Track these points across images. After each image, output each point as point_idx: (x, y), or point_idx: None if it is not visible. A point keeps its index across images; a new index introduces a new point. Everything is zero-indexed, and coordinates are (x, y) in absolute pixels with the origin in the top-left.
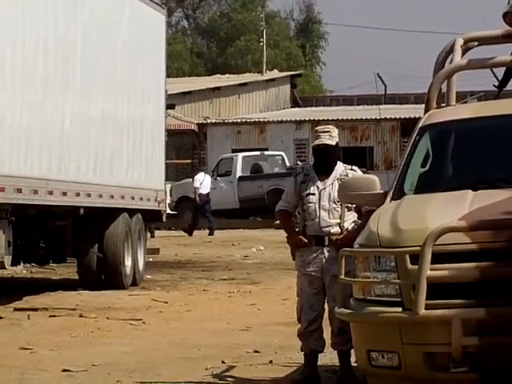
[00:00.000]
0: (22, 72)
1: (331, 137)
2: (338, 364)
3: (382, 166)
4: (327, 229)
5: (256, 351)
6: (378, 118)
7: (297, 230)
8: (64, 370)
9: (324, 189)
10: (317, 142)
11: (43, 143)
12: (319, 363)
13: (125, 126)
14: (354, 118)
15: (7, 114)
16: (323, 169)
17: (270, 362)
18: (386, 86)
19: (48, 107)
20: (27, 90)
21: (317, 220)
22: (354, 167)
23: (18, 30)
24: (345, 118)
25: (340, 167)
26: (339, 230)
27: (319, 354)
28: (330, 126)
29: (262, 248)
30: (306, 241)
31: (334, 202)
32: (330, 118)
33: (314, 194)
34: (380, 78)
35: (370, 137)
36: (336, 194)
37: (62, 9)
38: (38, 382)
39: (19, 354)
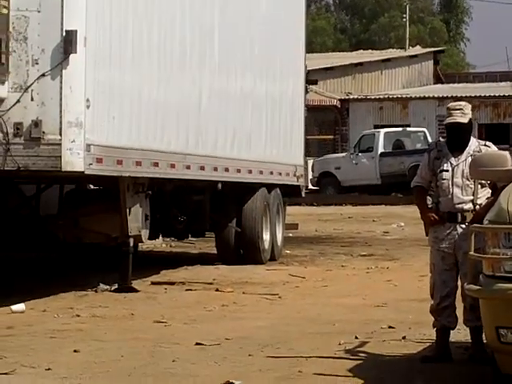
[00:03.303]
0: (159, 47)
1: (463, 114)
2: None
3: None
4: (460, 205)
5: (390, 327)
6: None
7: (430, 206)
8: (197, 344)
9: (457, 165)
10: (449, 120)
11: (180, 118)
12: (453, 340)
13: (263, 100)
14: (497, 94)
15: (144, 89)
16: (456, 145)
17: (404, 338)
18: None
19: (185, 82)
20: (164, 65)
21: (450, 196)
22: (487, 143)
23: (154, 5)
24: (487, 95)
25: (473, 143)
26: (472, 207)
27: (452, 331)
28: (463, 103)
29: (403, 224)
30: (437, 218)
31: (468, 179)
32: (473, 95)
33: (447, 171)
34: None
35: None
36: (469, 170)
37: None
38: (170, 355)
39: (153, 327)
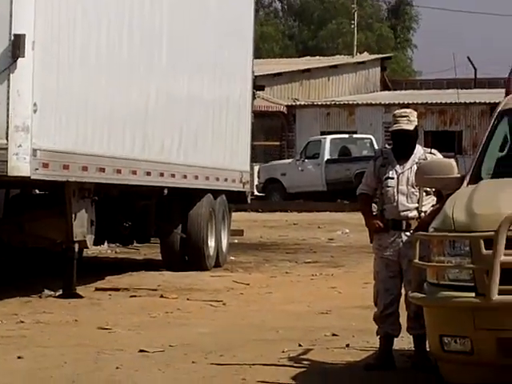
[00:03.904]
0: (107, 51)
1: (409, 121)
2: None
3: (470, 151)
4: (405, 213)
5: (334, 334)
6: (467, 102)
7: (375, 213)
8: (141, 351)
9: (402, 173)
10: (395, 127)
11: (127, 123)
12: (396, 347)
13: (210, 106)
14: (444, 101)
15: (92, 93)
16: (402, 153)
17: (347, 345)
18: (475, 70)
19: (133, 87)
20: (112, 69)
21: (395, 204)
22: (433, 150)
23: (102, 10)
24: (434, 102)
25: (419, 151)
26: (417, 215)
27: (396, 339)
28: (408, 110)
29: (348, 231)
30: (382, 225)
31: (413, 186)
32: (420, 102)
33: (392, 178)
34: (470, 61)
35: (459, 121)
36: (414, 178)
37: None
38: (114, 362)
39: (97, 334)
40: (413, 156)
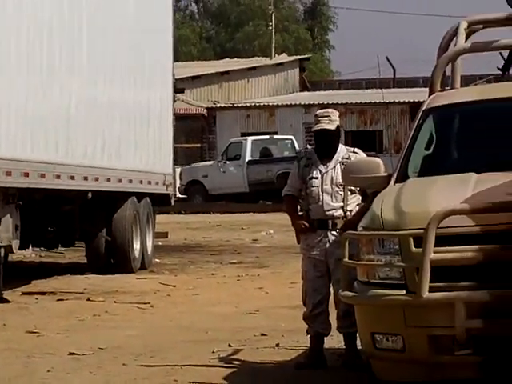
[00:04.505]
0: (27, 55)
1: (331, 121)
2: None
3: (391, 150)
4: (331, 212)
5: (263, 334)
6: (387, 101)
7: (301, 213)
8: (70, 354)
9: (326, 172)
10: (317, 127)
11: (49, 127)
12: (326, 346)
13: (131, 109)
14: (363, 101)
15: (12, 97)
16: (325, 153)
17: (277, 345)
18: (394, 70)
19: (54, 91)
20: (32, 73)
21: (320, 204)
22: (356, 150)
23: (21, 12)
24: (353, 102)
25: (342, 150)
26: (343, 214)
27: (326, 337)
28: (330, 110)
29: (272, 232)
30: (307, 225)
31: (337, 186)
32: (339, 102)
33: (316, 178)
34: (389, 61)
35: (379, 120)
36: (339, 177)
37: None
38: (44, 366)
39: (26, 338)
40: (336, 155)
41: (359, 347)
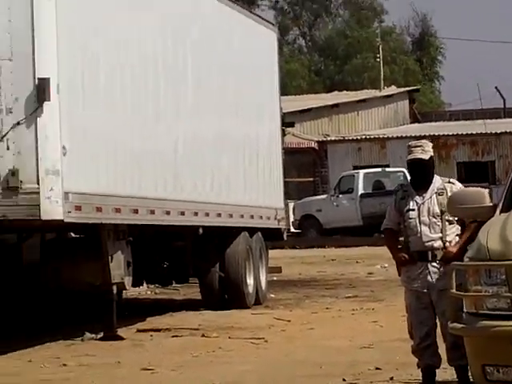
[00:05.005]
0: (132, 95)
1: (424, 151)
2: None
3: (504, 180)
4: (430, 243)
5: (377, 368)
6: (498, 131)
7: (400, 246)
8: None
9: (423, 203)
10: (410, 157)
11: (157, 164)
12: (440, 379)
13: (240, 144)
14: (474, 132)
15: (119, 135)
16: (420, 184)
17: (391, 378)
18: (504, 100)
19: (160, 129)
20: (138, 111)
21: (418, 235)
22: (452, 180)
23: (126, 53)
24: (464, 133)
25: (437, 180)
26: (442, 244)
27: (438, 370)
28: (423, 141)
29: (387, 265)
30: (407, 257)
31: (434, 216)
32: (450, 133)
33: (413, 210)
34: (498, 91)
35: (491, 151)
36: (436, 208)
37: (171, 28)
38: None
39: (141, 375)
40: (432, 186)
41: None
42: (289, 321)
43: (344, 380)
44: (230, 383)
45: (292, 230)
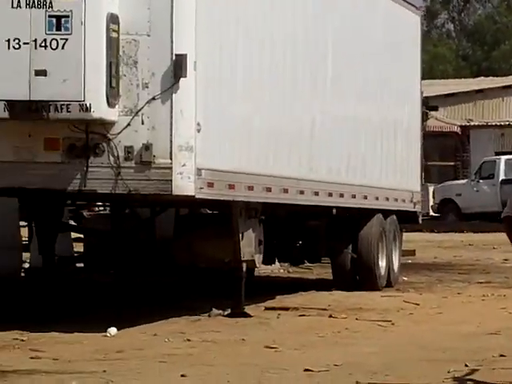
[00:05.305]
0: (270, 73)
1: None
2: None
3: None
4: None
5: (502, 355)
6: None
7: None
8: (305, 370)
9: None
10: None
11: (293, 143)
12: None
13: (377, 126)
14: None
15: (255, 114)
16: None
17: None
18: None
19: (297, 108)
20: (275, 90)
21: None
22: None
23: (265, 30)
24: None
25: None
26: None
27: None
28: None
29: None
30: None
31: None
32: None
33: None
34: None
35: None
36: None
37: (312, 11)
38: (277, 381)
39: (263, 353)
40: None
41: None
42: (418, 304)
43: (466, 366)
44: (352, 364)
45: (431, 213)
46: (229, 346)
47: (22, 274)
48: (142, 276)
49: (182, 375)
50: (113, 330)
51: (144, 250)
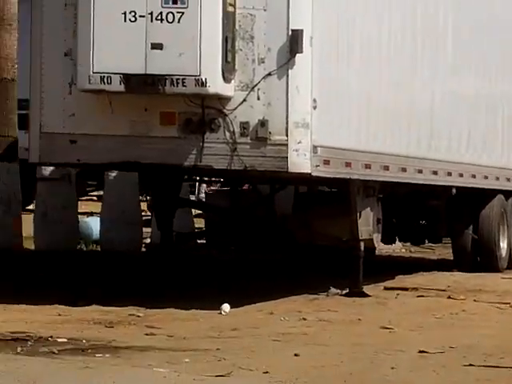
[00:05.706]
0: (388, 48)
1: None
2: None
3: None
4: None
5: None
6: None
7: None
8: (420, 351)
9: None
10: None
11: (411, 121)
12: None
13: (499, 103)
14: None
15: (373, 90)
16: None
17: None
18: None
19: (416, 85)
20: (394, 68)
21: None
22: None
23: (383, 5)
24: None
25: None
26: None
27: None
28: None
29: None
30: None
31: None
32: None
33: None
34: None
35: None
36: None
37: None
38: (390, 362)
39: (379, 333)
40: None
41: None
42: None
43: None
44: (467, 346)
45: None
46: (344, 326)
47: (143, 249)
48: (262, 253)
49: (296, 354)
50: (226, 307)
51: (263, 227)
